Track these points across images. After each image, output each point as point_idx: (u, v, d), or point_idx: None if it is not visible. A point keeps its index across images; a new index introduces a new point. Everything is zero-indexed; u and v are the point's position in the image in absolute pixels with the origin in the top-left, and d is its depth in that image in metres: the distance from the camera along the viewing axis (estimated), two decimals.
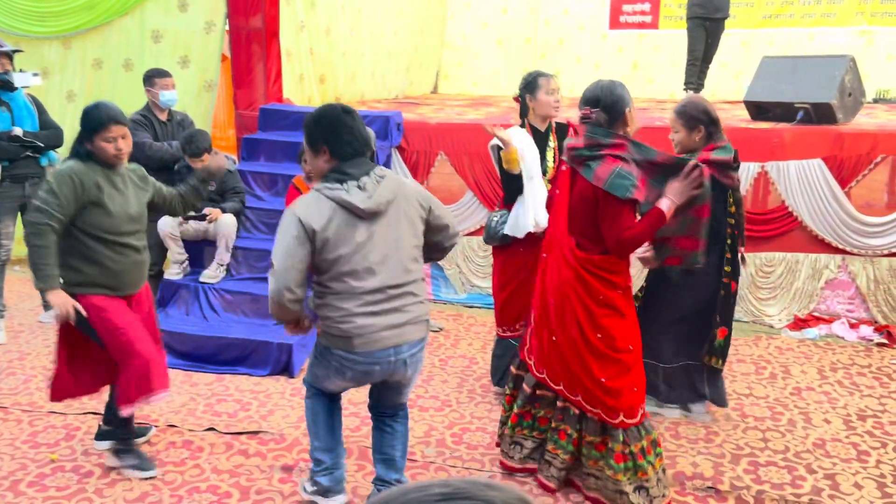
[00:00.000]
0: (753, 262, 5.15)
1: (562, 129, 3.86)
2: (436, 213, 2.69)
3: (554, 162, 3.77)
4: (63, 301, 2.92)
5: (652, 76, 8.93)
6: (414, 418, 3.77)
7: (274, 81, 6.03)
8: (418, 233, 2.64)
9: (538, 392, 3.13)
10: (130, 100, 5.89)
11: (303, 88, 6.57)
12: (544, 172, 3.73)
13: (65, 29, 6.21)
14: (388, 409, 2.88)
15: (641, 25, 9.21)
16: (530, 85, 3.74)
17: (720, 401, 3.76)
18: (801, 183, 5.00)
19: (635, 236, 2.79)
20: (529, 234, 3.68)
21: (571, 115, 6.28)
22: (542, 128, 3.78)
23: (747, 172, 5.09)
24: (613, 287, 2.89)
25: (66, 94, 6.29)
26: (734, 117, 5.87)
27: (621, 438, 2.89)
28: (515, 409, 3.20)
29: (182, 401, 3.96)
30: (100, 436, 3.44)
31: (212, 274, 4.80)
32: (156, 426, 3.65)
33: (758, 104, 5.53)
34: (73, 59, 6.28)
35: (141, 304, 3.21)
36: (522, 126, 3.79)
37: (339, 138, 2.54)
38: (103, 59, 6.23)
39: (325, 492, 2.91)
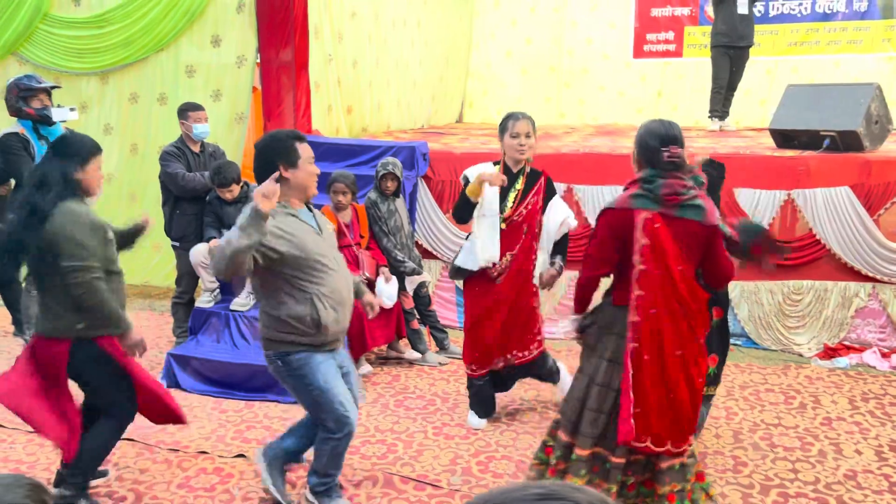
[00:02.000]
0: (781, 291, 5.12)
1: (533, 175, 3.82)
2: None
3: (513, 204, 3.74)
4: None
5: (676, 104, 8.96)
6: (440, 446, 3.80)
7: (303, 113, 6.16)
8: None
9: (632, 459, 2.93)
10: (164, 132, 6.09)
11: (331, 119, 6.71)
12: (501, 211, 3.74)
13: (103, 65, 6.43)
14: None
15: (665, 54, 9.26)
16: (500, 126, 3.78)
17: (699, 427, 3.74)
18: (829, 211, 4.98)
19: None
20: (485, 273, 3.76)
21: (596, 143, 6.36)
22: (515, 169, 3.78)
23: (773, 200, 5.08)
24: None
25: (104, 128, 6.49)
26: (759, 145, 5.87)
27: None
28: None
29: (212, 427, 4.03)
30: (58, 482, 3.27)
31: (242, 302, 4.88)
32: (187, 451, 3.72)
33: (783, 132, 5.54)
34: (110, 94, 6.50)
35: None
36: (497, 164, 3.81)
37: None
38: (139, 94, 6.43)
39: None
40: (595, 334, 2.96)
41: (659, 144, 2.79)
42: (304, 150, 2.95)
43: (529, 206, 3.77)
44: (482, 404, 4.05)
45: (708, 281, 2.92)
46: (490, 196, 3.70)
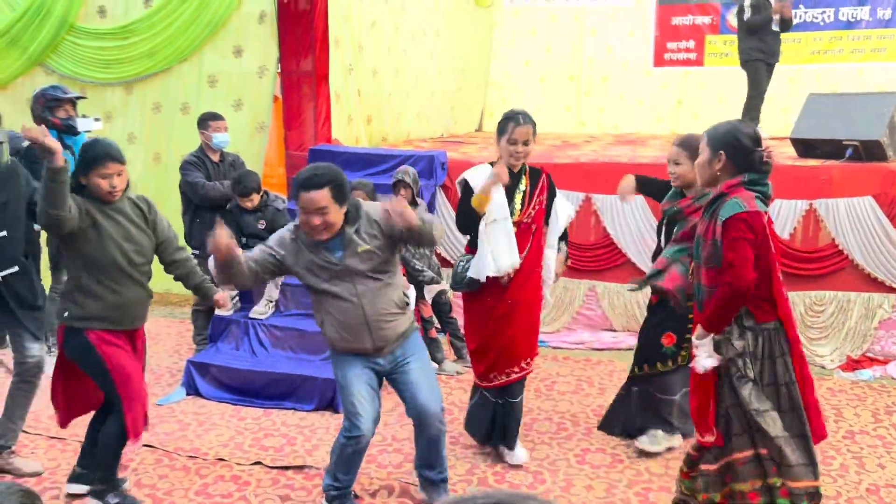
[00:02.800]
0: (803, 301, 5.06)
1: (535, 174, 3.66)
2: None
3: (522, 206, 3.58)
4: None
5: (697, 112, 8.91)
6: (457, 456, 3.79)
7: (323, 123, 6.21)
8: None
9: None
10: (187, 141, 6.15)
11: (351, 129, 6.75)
12: (511, 214, 3.54)
13: (127, 75, 6.54)
14: None
15: (686, 63, 9.23)
16: (500, 127, 3.59)
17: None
18: (852, 220, 4.92)
19: None
20: (495, 280, 3.52)
21: (616, 152, 6.33)
22: (515, 169, 3.59)
23: (795, 209, 5.03)
24: None
25: (128, 137, 6.58)
26: (781, 154, 5.79)
27: None
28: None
29: (230, 434, 4.05)
30: (73, 478, 3.43)
31: (261, 310, 4.93)
32: (206, 459, 3.75)
33: (805, 141, 5.49)
34: (134, 104, 6.60)
35: (136, 342, 3.29)
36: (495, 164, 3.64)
37: None
38: (162, 103, 6.52)
39: None
40: (758, 365, 2.74)
41: (753, 145, 2.69)
42: (303, 200, 2.87)
43: (537, 207, 3.62)
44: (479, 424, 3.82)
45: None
46: (498, 200, 3.51)
